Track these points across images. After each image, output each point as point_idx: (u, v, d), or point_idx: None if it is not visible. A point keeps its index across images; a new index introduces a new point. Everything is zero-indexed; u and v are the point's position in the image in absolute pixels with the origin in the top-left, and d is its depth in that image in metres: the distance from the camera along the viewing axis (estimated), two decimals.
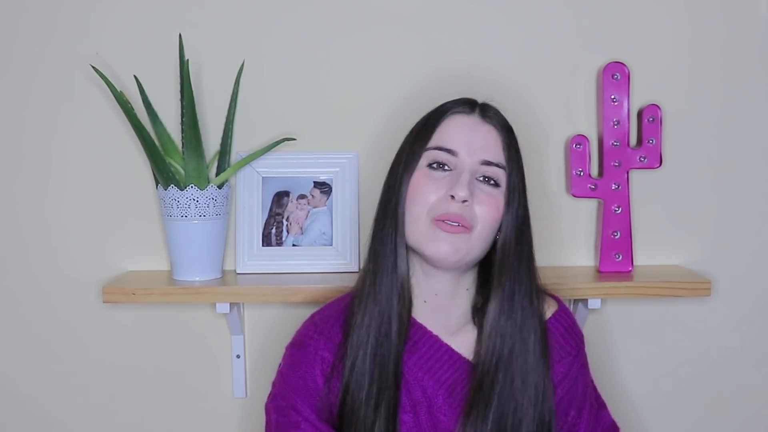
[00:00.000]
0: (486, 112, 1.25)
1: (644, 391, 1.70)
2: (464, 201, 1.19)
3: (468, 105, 1.26)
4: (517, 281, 1.23)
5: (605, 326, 1.67)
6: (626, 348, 1.69)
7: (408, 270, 1.24)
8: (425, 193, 1.20)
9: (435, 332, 1.27)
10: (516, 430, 1.21)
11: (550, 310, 1.32)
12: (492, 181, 1.22)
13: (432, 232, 1.19)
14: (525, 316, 1.23)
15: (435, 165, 1.22)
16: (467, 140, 1.21)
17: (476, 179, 1.21)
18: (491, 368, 1.22)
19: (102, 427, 1.71)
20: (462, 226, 1.19)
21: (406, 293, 1.23)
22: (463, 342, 1.27)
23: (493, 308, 1.23)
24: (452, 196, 1.19)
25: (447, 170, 1.21)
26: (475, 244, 1.21)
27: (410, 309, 1.25)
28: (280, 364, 1.31)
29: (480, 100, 1.30)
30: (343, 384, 1.23)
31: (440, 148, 1.22)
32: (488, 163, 1.21)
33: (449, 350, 1.26)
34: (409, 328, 1.25)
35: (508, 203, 1.22)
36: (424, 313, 1.27)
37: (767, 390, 1.70)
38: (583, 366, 1.33)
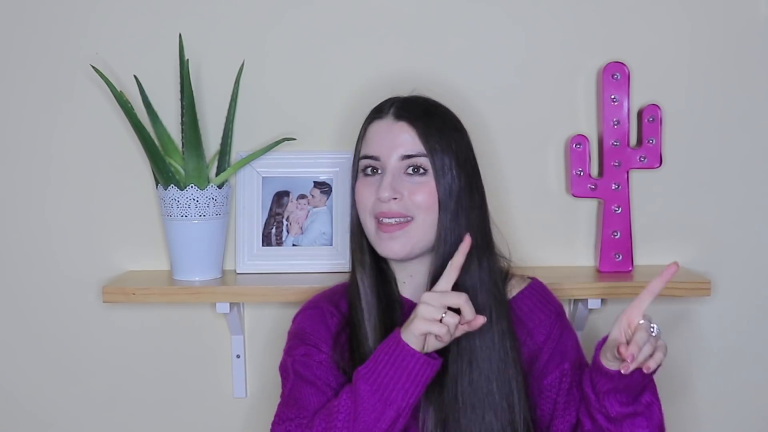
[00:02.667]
0: (398, 109, 1.32)
1: None
2: (394, 199, 1.28)
3: (384, 107, 1.34)
4: (471, 253, 1.28)
5: (605, 326, 1.66)
6: None
7: (377, 261, 1.35)
8: (364, 199, 1.32)
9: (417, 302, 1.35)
10: (476, 406, 1.26)
11: (525, 283, 1.38)
12: (420, 170, 1.29)
13: (378, 236, 1.30)
14: (474, 278, 1.29)
15: (368, 170, 1.32)
16: (384, 142, 1.31)
17: (405, 174, 1.29)
18: (451, 345, 1.26)
19: (102, 427, 1.71)
20: (401, 221, 1.28)
21: (381, 283, 1.35)
22: None
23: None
24: (379, 198, 1.29)
25: (378, 174, 1.31)
26: (421, 232, 1.29)
27: (398, 289, 1.36)
28: (292, 326, 1.39)
29: (393, 97, 1.36)
30: (350, 364, 1.30)
31: (365, 157, 1.33)
32: (408, 157, 1.29)
33: None
34: (399, 302, 1.36)
35: (438, 183, 1.29)
36: (407, 289, 1.36)
37: (767, 389, 1.70)
38: (568, 329, 1.37)
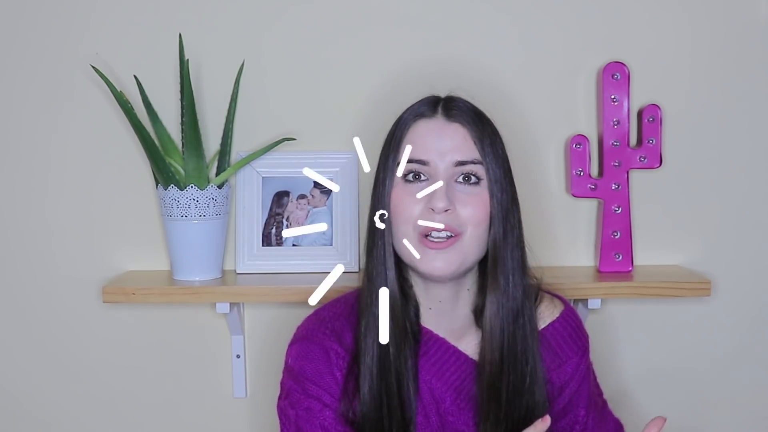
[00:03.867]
0: (449, 109, 1.21)
1: (644, 390, 1.70)
2: (446, 210, 1.16)
3: (430, 106, 1.22)
4: (510, 273, 1.21)
5: (605, 326, 1.67)
6: (626, 348, 1.69)
7: (400, 282, 1.22)
8: (407, 209, 1.17)
9: (442, 335, 1.27)
10: (528, 423, 1.20)
11: (556, 310, 1.32)
12: (473, 179, 1.18)
13: (422, 251, 1.17)
14: (520, 308, 1.22)
15: (411, 176, 1.19)
16: (435, 146, 1.18)
17: (455, 182, 1.18)
18: (496, 366, 1.21)
19: (102, 427, 1.71)
20: (450, 237, 1.17)
21: (402, 307, 1.22)
22: (469, 344, 1.27)
23: (490, 305, 1.21)
24: (432, 209, 1.16)
25: (423, 180, 1.18)
26: (469, 249, 1.18)
27: (418, 316, 1.24)
28: (286, 362, 1.27)
29: (443, 94, 1.25)
30: (358, 406, 1.21)
31: (410, 161, 1.18)
32: (462, 163, 1.18)
33: (456, 352, 1.26)
34: (419, 334, 1.24)
35: (492, 195, 1.18)
36: (430, 318, 1.25)
37: (767, 390, 1.70)
38: (590, 368, 1.34)
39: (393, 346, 1.20)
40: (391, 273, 1.20)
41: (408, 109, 1.24)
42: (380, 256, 1.20)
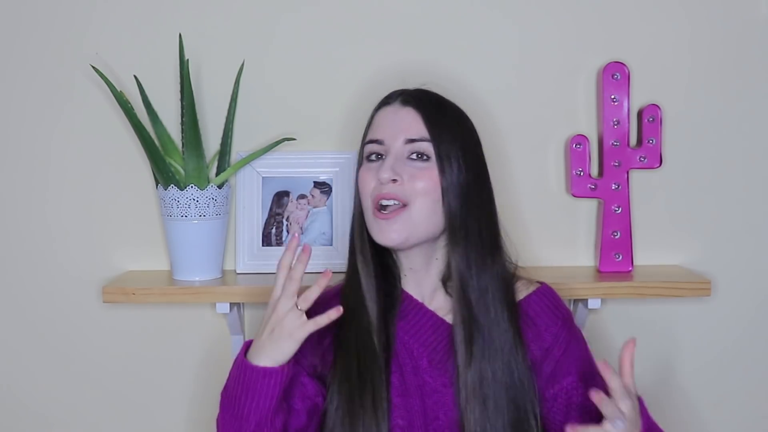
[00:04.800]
0: (406, 96, 1.32)
1: (644, 390, 1.69)
2: (393, 180, 1.26)
3: (393, 95, 1.34)
4: (474, 247, 1.29)
5: (605, 326, 1.67)
6: None
7: (380, 252, 1.33)
8: (366, 184, 1.30)
9: (419, 299, 1.35)
10: (495, 389, 1.26)
11: (533, 286, 1.37)
12: (424, 156, 1.28)
13: (376, 223, 1.28)
14: (485, 278, 1.29)
15: (373, 156, 1.31)
16: (389, 126, 1.30)
17: (407, 159, 1.29)
18: (466, 329, 1.28)
19: (101, 427, 1.71)
20: (398, 205, 1.27)
21: (380, 275, 1.32)
22: (443, 305, 1.34)
23: (454, 274, 1.30)
24: (380, 179, 1.27)
25: (380, 158, 1.30)
26: (418, 219, 1.27)
27: (400, 282, 1.34)
28: None
29: (412, 87, 1.35)
30: (336, 355, 1.30)
31: (370, 141, 1.32)
32: (411, 141, 1.28)
33: (432, 315, 1.34)
34: (400, 296, 1.34)
35: (443, 171, 1.27)
36: (409, 282, 1.35)
37: (767, 389, 1.70)
38: (576, 339, 1.35)
39: (375, 306, 1.30)
40: (368, 246, 1.32)
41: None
42: (357, 230, 1.33)
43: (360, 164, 1.34)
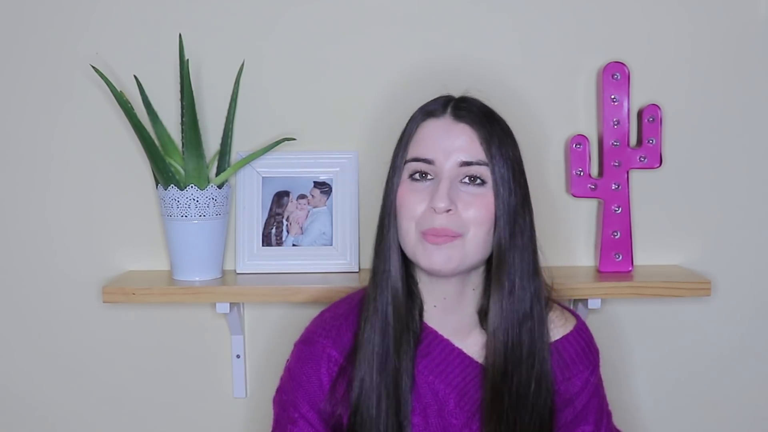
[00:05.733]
0: (458, 110, 1.21)
1: (644, 390, 1.70)
2: (448, 210, 1.16)
3: (440, 105, 1.22)
4: (517, 276, 1.20)
5: (605, 326, 1.67)
6: (626, 348, 1.68)
7: (404, 279, 1.22)
8: (411, 207, 1.18)
9: (446, 336, 1.26)
10: (533, 428, 1.21)
11: (569, 323, 1.31)
12: (477, 180, 1.18)
13: (421, 246, 1.18)
14: (528, 311, 1.21)
15: (417, 176, 1.19)
16: (441, 145, 1.18)
17: (460, 182, 1.18)
18: (500, 369, 1.21)
19: (102, 427, 1.71)
20: (448, 236, 1.17)
21: (405, 303, 1.22)
22: (474, 345, 1.26)
23: (494, 306, 1.21)
24: (434, 209, 1.16)
25: (429, 179, 1.19)
26: (470, 249, 1.18)
27: (422, 314, 1.25)
28: (288, 359, 1.31)
29: (456, 94, 1.26)
30: (353, 398, 1.22)
31: (416, 159, 1.19)
32: (467, 164, 1.18)
33: (460, 354, 1.26)
34: (422, 332, 1.25)
35: (498, 197, 1.18)
36: (435, 317, 1.25)
37: (767, 390, 1.70)
38: (600, 385, 1.33)
39: (393, 342, 1.20)
40: (395, 269, 1.21)
41: (419, 108, 1.24)
42: (385, 252, 1.21)
43: (395, 178, 1.21)
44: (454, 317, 1.25)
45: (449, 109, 1.21)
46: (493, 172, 1.18)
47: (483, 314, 1.25)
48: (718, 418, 1.70)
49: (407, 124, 1.24)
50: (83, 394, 1.71)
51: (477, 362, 1.26)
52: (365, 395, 1.21)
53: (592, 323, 1.64)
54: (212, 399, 1.71)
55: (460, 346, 1.26)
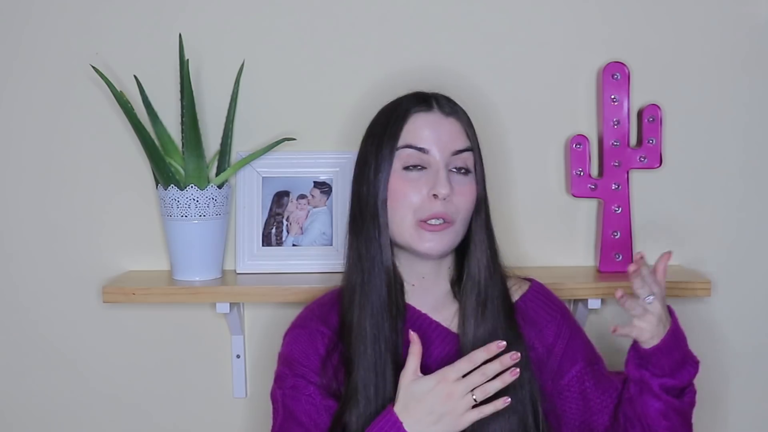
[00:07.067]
0: (444, 105, 1.30)
1: None
2: (447, 196, 1.25)
3: (425, 101, 1.30)
4: (483, 250, 1.30)
5: (605, 326, 1.66)
6: (626, 348, 1.68)
7: (393, 262, 1.30)
8: (408, 196, 1.25)
9: (424, 311, 1.33)
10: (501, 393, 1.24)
11: (525, 285, 1.39)
12: (463, 170, 1.28)
13: (418, 234, 1.26)
14: (494, 283, 1.30)
15: (410, 166, 1.27)
16: (435, 137, 1.27)
17: (449, 171, 1.27)
18: (474, 340, 1.27)
19: (102, 427, 1.71)
20: (445, 222, 1.26)
21: (393, 284, 1.29)
22: (448, 315, 1.33)
23: (470, 284, 1.30)
24: (435, 195, 1.25)
25: (422, 169, 1.26)
26: (459, 232, 1.28)
27: (403, 295, 1.31)
28: (279, 352, 1.36)
29: (429, 92, 1.33)
30: (354, 381, 1.26)
31: (412, 147, 1.26)
32: (459, 152, 1.27)
33: (439, 327, 1.32)
34: (405, 310, 1.31)
35: (478, 183, 1.30)
36: (414, 295, 1.33)
37: (767, 390, 1.70)
38: (576, 329, 1.38)
39: (388, 321, 1.27)
40: (387, 254, 1.28)
41: (401, 103, 1.32)
42: (375, 238, 1.28)
43: (383, 168, 1.26)
44: (430, 294, 1.33)
45: (436, 105, 1.30)
46: (475, 160, 1.29)
47: (454, 284, 1.34)
48: (719, 418, 1.70)
49: (389, 117, 1.30)
50: (83, 394, 1.71)
51: (454, 333, 1.32)
52: (364, 374, 1.25)
53: (592, 323, 1.65)
54: (212, 399, 1.71)
55: (437, 320, 1.33)
